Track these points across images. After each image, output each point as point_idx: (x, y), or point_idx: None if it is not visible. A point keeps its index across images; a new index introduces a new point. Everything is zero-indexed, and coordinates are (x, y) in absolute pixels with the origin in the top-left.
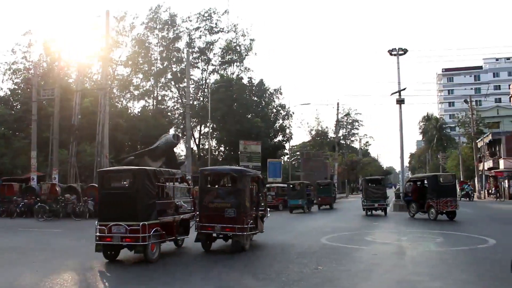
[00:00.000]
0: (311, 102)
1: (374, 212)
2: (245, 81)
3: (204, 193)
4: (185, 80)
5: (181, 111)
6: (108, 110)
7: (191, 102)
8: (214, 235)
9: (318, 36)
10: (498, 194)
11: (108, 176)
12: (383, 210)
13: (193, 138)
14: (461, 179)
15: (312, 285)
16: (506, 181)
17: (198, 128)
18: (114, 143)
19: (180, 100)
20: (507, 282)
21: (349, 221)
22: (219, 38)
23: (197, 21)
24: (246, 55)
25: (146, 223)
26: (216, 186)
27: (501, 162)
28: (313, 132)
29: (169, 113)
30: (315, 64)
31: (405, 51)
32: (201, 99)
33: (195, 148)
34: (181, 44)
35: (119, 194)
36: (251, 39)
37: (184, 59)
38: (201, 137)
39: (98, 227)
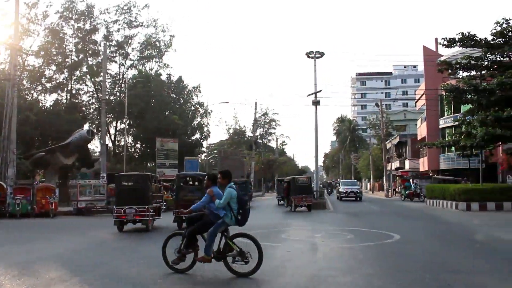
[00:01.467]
0: (230, 101)
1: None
2: (163, 77)
3: (179, 190)
4: (101, 74)
5: (97, 106)
6: (16, 102)
7: (107, 97)
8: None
9: (238, 35)
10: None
11: (122, 178)
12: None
13: (108, 134)
14: (375, 179)
15: (225, 283)
16: (411, 180)
17: (114, 124)
18: (23, 138)
19: (95, 95)
20: (410, 273)
21: (266, 219)
22: (138, 32)
23: (115, 14)
24: (165, 51)
25: (148, 207)
26: (188, 184)
27: (407, 162)
28: (231, 131)
29: (83, 108)
30: (235, 63)
31: (322, 54)
32: (118, 94)
33: (110, 144)
34: (98, 37)
35: (132, 189)
36: (171, 35)
37: (101, 52)
38: (117, 133)
39: (116, 209)
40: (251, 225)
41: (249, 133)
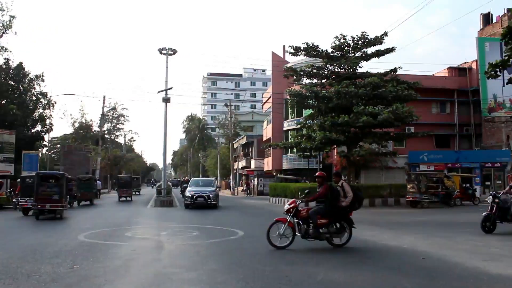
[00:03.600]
0: (76, 93)
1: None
2: (0, 62)
3: (39, 186)
4: None
5: None
6: None
7: None
8: (46, 211)
9: (90, 26)
10: (248, 190)
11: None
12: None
13: None
14: (222, 177)
15: (66, 285)
16: (256, 179)
17: None
18: None
19: None
20: (252, 268)
21: (112, 217)
22: None
23: None
24: (3, 32)
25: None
26: (47, 181)
27: (253, 162)
28: (77, 125)
29: None
30: (84, 54)
31: (174, 51)
32: None
33: None
34: None
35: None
36: (11, 16)
37: None
38: None
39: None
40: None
41: (96, 128)
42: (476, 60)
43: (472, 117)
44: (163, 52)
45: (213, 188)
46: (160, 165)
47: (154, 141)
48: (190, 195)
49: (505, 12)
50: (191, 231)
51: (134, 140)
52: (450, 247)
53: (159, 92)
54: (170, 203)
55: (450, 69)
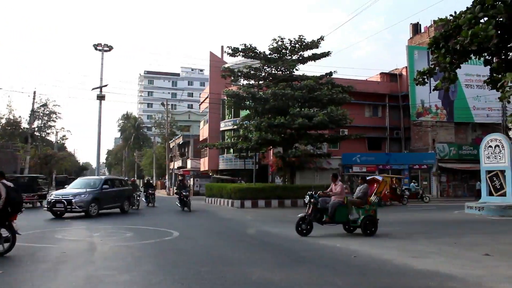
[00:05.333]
0: (3, 87)
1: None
2: None
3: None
4: None
5: None
6: None
7: None
8: None
9: (22, 18)
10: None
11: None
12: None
13: None
14: (158, 177)
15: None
16: (192, 179)
17: None
18: None
19: None
20: (187, 268)
21: (39, 218)
22: None
23: None
24: None
25: None
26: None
27: (189, 162)
28: (3, 121)
29: None
30: (13, 46)
31: (110, 47)
32: None
33: None
34: None
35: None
36: None
37: None
38: None
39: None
40: (22, 226)
41: (25, 125)
42: (406, 67)
43: (402, 121)
44: (98, 48)
45: (94, 189)
46: (94, 164)
47: (88, 139)
48: (49, 200)
49: (432, 23)
50: (125, 232)
51: (67, 138)
52: (380, 245)
53: (93, 89)
54: None
55: (383, 74)
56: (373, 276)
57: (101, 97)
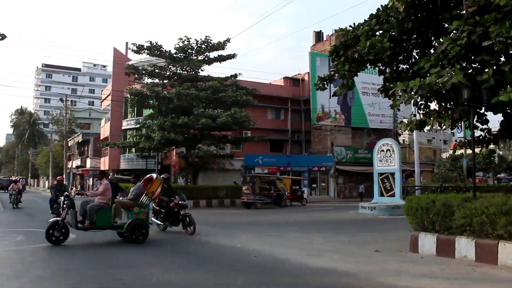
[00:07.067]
0: None
1: None
2: None
3: None
4: None
5: None
6: None
7: None
8: None
9: None
10: (83, 190)
11: None
12: None
13: None
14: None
15: None
16: (91, 179)
17: None
18: None
19: None
20: (82, 273)
21: None
22: None
23: None
24: None
25: None
26: None
27: (88, 161)
28: None
29: None
30: None
31: (3, 36)
32: None
33: None
34: None
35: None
36: None
37: None
38: None
39: None
40: None
41: None
42: (308, 73)
43: (303, 124)
44: None
45: None
46: None
47: None
48: None
49: (334, 32)
50: (16, 236)
51: None
52: (280, 244)
53: None
54: None
55: (286, 78)
56: (273, 275)
57: None
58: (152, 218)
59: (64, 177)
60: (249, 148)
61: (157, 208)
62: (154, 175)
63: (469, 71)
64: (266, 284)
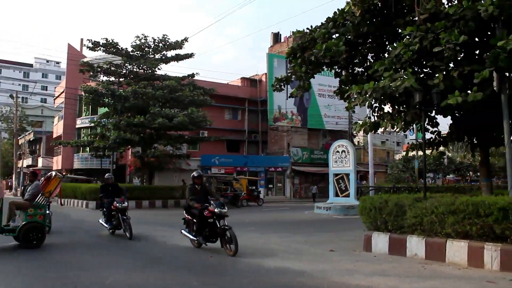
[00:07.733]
0: None
1: None
2: None
3: None
4: None
5: None
6: None
7: None
8: None
9: None
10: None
11: None
12: None
13: None
14: (4, 176)
15: None
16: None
17: None
18: None
19: None
20: (29, 276)
21: None
22: None
23: None
24: None
25: None
26: None
27: (40, 160)
28: None
29: None
30: None
31: None
32: None
33: None
34: None
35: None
36: None
37: None
38: None
39: None
40: None
41: None
42: (266, 74)
43: (260, 125)
44: None
45: None
46: None
47: None
48: None
49: (291, 34)
50: None
51: None
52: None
53: None
54: None
55: (243, 79)
56: (228, 275)
57: None
58: (100, 220)
59: (14, 176)
60: (206, 148)
61: (188, 217)
62: (54, 173)
63: (421, 76)
64: (220, 284)
